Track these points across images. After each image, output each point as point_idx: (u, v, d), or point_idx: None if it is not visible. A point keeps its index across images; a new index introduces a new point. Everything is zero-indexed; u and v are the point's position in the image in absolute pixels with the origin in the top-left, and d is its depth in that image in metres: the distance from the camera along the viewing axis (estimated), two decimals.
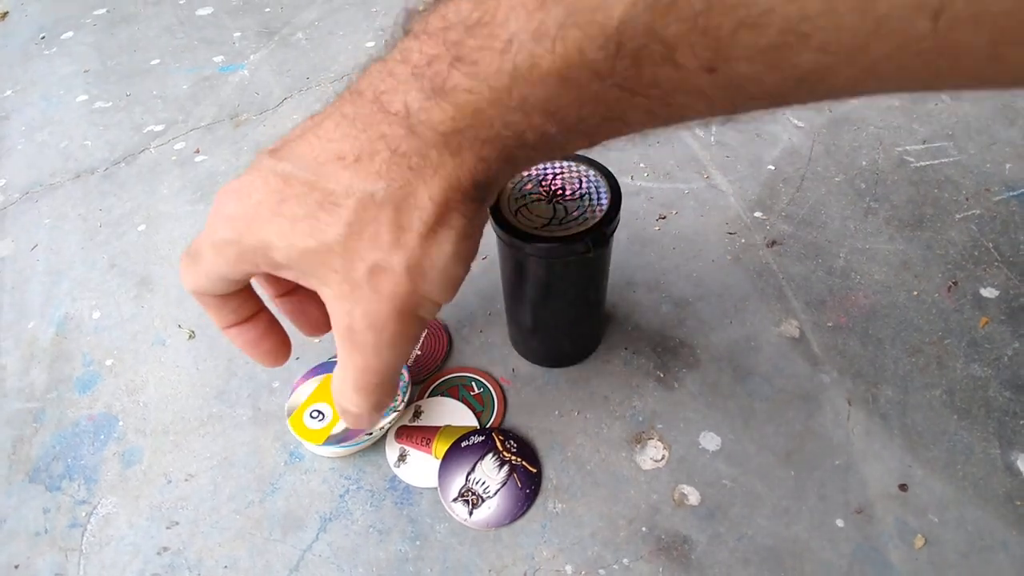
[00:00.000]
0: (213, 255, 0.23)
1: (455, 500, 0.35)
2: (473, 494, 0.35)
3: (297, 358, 0.42)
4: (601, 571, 0.33)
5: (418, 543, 0.34)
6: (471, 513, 0.34)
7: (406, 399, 0.38)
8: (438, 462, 0.36)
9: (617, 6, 0.16)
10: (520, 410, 0.39)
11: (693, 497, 0.35)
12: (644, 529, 0.34)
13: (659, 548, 0.33)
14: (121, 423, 0.40)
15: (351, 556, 0.34)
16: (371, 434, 0.37)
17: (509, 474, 0.35)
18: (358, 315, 0.22)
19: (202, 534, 0.35)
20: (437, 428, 0.38)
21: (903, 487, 0.35)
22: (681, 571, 0.33)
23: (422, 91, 0.19)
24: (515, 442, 0.37)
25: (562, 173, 0.35)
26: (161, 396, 0.41)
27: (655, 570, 0.33)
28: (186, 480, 0.37)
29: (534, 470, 0.35)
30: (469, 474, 0.36)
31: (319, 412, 0.38)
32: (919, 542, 0.33)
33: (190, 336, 0.44)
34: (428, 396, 0.39)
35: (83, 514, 0.36)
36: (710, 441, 0.37)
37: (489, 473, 0.35)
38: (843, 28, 0.14)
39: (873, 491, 0.35)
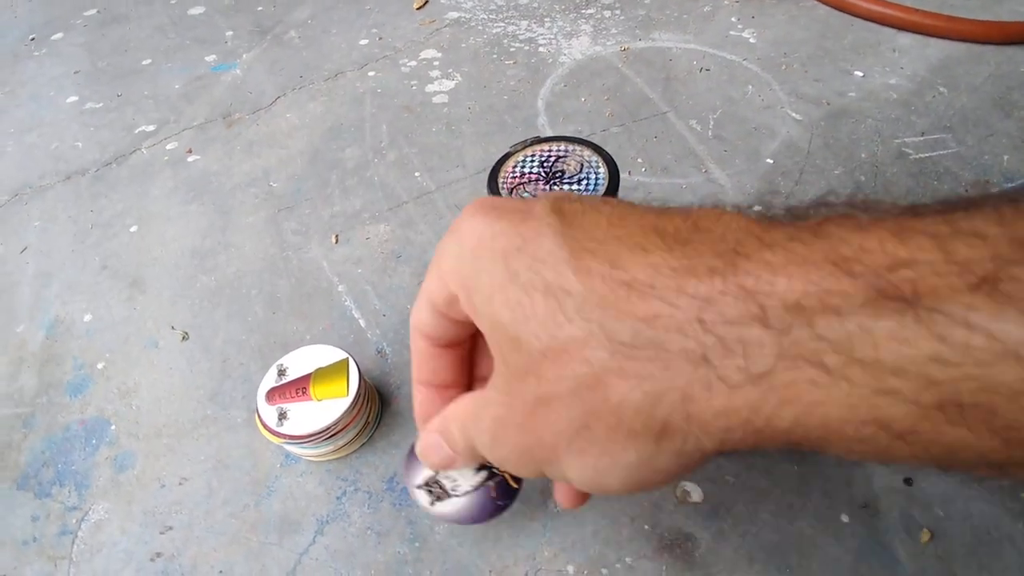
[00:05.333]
0: None
1: (419, 487, 0.32)
2: (440, 487, 0.32)
3: None
4: (604, 570, 0.32)
5: (417, 544, 0.33)
6: (432, 504, 0.31)
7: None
8: (321, 403, 0.35)
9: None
10: None
11: (696, 494, 0.35)
12: (647, 527, 0.33)
13: (662, 546, 0.33)
14: (113, 427, 0.40)
15: (348, 559, 0.33)
16: (349, 439, 0.36)
17: (486, 480, 0.32)
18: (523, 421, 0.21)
19: (196, 539, 0.34)
20: (308, 375, 0.36)
21: (908, 481, 0.34)
22: (685, 569, 0.32)
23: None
24: None
25: (565, 156, 0.35)
26: (154, 399, 0.41)
27: (658, 568, 0.32)
28: (180, 484, 0.37)
29: (515, 485, 0.32)
30: None
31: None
32: (925, 536, 0.32)
33: (183, 338, 0.44)
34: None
35: (73, 521, 0.36)
36: None
37: (464, 472, 0.32)
38: None
39: (878, 485, 0.34)
